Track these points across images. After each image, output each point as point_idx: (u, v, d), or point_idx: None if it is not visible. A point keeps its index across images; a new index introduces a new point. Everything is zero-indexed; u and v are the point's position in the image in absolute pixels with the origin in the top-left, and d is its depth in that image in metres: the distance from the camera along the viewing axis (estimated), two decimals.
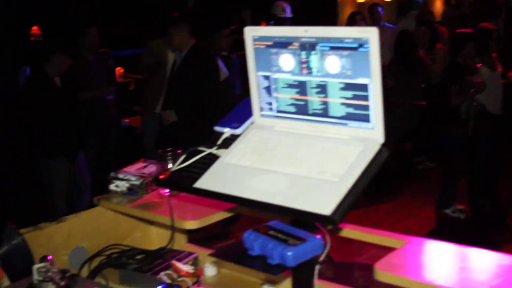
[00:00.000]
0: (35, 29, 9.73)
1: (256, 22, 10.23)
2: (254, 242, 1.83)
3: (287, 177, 1.78)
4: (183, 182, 1.95)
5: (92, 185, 5.89)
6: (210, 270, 2.42)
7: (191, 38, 5.75)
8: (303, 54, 1.86)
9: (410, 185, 7.47)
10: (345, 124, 1.84)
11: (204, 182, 1.89)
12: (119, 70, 8.93)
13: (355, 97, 1.79)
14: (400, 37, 7.47)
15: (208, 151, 2.01)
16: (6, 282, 2.22)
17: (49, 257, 2.09)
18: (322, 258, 1.87)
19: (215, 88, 5.77)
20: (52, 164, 5.54)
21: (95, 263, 2.53)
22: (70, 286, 2.07)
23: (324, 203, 1.64)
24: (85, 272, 2.48)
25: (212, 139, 2.03)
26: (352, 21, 8.65)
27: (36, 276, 2.08)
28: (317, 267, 1.90)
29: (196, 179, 1.91)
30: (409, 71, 7.19)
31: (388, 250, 2.07)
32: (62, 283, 2.00)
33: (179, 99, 5.75)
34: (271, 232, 1.85)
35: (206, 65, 5.77)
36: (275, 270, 1.80)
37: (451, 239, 2.16)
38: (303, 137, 1.90)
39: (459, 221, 6.28)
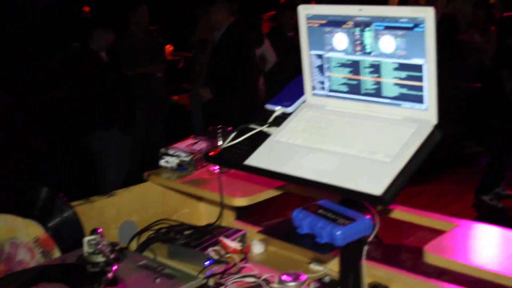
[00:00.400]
0: (86, 9, 9.83)
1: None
2: (303, 221, 1.84)
3: (338, 156, 1.77)
4: (233, 159, 1.96)
5: (141, 161, 5.96)
6: (257, 248, 2.43)
7: (230, 17, 5.76)
8: (357, 33, 1.85)
9: (458, 169, 7.38)
10: (398, 105, 1.83)
11: (255, 160, 1.89)
12: (168, 48, 8.97)
13: (409, 78, 1.78)
14: (441, 20, 7.35)
15: (258, 128, 2.01)
16: (57, 253, 2.25)
17: (99, 230, 2.11)
18: (370, 238, 1.86)
19: (246, 68, 5.78)
20: (104, 137, 5.61)
21: (144, 237, 2.56)
22: (120, 259, 2.10)
23: (375, 183, 1.64)
24: (133, 246, 2.51)
25: (262, 117, 2.03)
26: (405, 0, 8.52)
27: (86, 249, 2.11)
28: (366, 248, 1.90)
29: (246, 156, 1.92)
30: (449, 54, 7.06)
31: (437, 233, 2.05)
32: (112, 256, 2.02)
33: (213, 76, 5.79)
34: (320, 211, 1.85)
35: (238, 44, 5.78)
36: (324, 249, 1.81)
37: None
38: (355, 117, 1.90)
39: (496, 209, 6.18)
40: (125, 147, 5.84)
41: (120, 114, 5.69)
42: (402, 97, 1.81)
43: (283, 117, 2.01)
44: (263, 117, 2.02)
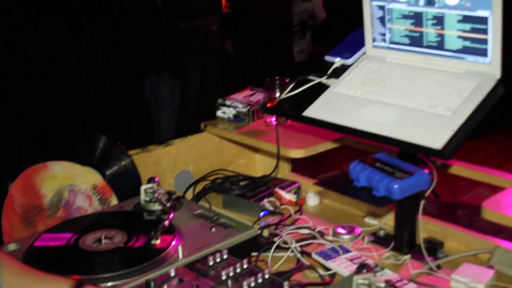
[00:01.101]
0: None
1: None
2: (360, 174, 1.83)
3: (398, 109, 1.75)
4: (291, 110, 1.96)
5: (197, 111, 5.98)
6: (312, 200, 2.43)
7: None
8: None
9: None
10: (461, 58, 1.79)
11: (313, 111, 1.88)
12: (225, 0, 8.92)
13: (473, 30, 1.74)
14: None
15: (317, 80, 2.00)
16: (114, 201, 2.28)
17: (156, 179, 2.13)
18: (428, 193, 1.84)
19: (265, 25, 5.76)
20: (157, 83, 5.64)
21: (199, 187, 2.58)
22: (176, 207, 2.12)
23: (435, 137, 1.62)
24: (189, 195, 2.53)
25: (322, 68, 2.01)
26: None
27: (143, 197, 2.13)
28: (422, 202, 1.88)
29: (304, 107, 1.91)
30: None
31: (495, 190, 2.01)
32: (168, 204, 2.04)
33: (235, 30, 5.79)
34: (377, 164, 1.84)
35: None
36: (380, 202, 1.80)
37: None
38: (416, 70, 1.87)
39: None
40: (178, 95, 5.85)
41: (171, 62, 5.70)
42: (465, 50, 1.77)
43: (342, 69, 1.99)
44: (323, 68, 2.00)
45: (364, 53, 2.01)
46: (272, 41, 5.87)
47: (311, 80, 2.01)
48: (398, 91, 1.81)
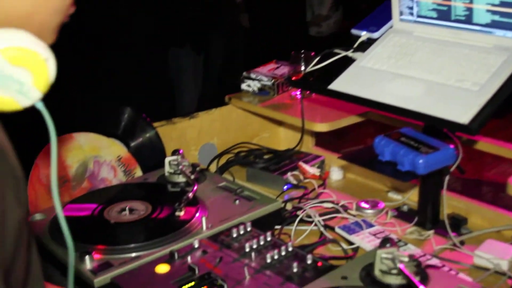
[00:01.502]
0: None
1: None
2: (385, 148, 1.82)
3: (425, 84, 1.74)
4: (317, 83, 1.95)
5: (220, 84, 5.97)
6: (336, 174, 2.43)
7: None
8: None
9: None
10: (489, 33, 1.77)
11: (339, 84, 1.87)
12: None
13: (502, 4, 1.71)
14: None
15: (343, 53, 1.99)
16: (138, 172, 2.30)
17: (181, 151, 2.14)
18: (453, 168, 1.83)
19: None
20: (180, 56, 5.63)
21: (223, 160, 2.59)
22: (200, 180, 2.12)
23: (462, 112, 1.60)
24: (213, 168, 2.54)
25: (348, 41, 2.00)
26: None
27: (167, 169, 2.14)
28: (447, 178, 1.88)
29: (330, 81, 1.90)
30: None
31: None
32: (192, 177, 2.05)
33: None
34: (402, 139, 1.83)
35: None
36: (405, 177, 1.79)
37: None
38: (443, 44, 1.85)
39: None
40: (201, 69, 5.85)
41: (193, 33, 5.68)
42: (494, 25, 1.75)
43: (369, 42, 1.98)
44: (349, 42, 1.99)
45: (391, 27, 1.99)
46: (287, 14, 5.84)
47: (337, 54, 1.99)
48: (425, 65, 1.80)
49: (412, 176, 1.78)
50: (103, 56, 5.36)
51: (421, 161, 1.70)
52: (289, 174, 2.35)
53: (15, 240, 0.83)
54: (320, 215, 2.03)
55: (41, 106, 0.90)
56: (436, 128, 1.83)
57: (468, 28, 1.81)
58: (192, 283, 1.50)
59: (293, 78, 2.39)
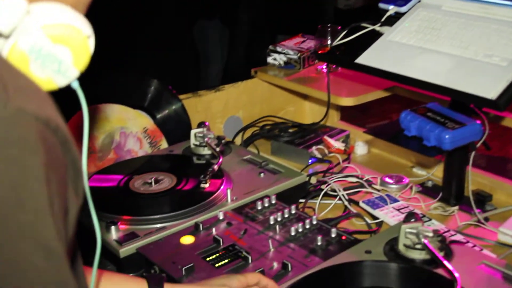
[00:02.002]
0: None
1: None
2: (411, 123, 1.81)
3: (452, 58, 1.72)
4: (343, 57, 1.94)
5: (247, 56, 5.96)
6: (361, 149, 2.42)
7: None
8: None
9: None
10: None
11: (366, 58, 1.86)
12: None
13: None
14: None
15: (371, 27, 1.97)
16: (164, 144, 2.31)
17: (206, 124, 2.15)
18: (479, 144, 1.82)
19: None
20: (207, 28, 5.63)
21: (248, 133, 2.59)
22: (225, 152, 2.13)
23: (490, 87, 1.59)
24: (238, 141, 2.55)
25: (375, 15, 1.98)
26: None
27: (193, 141, 2.15)
28: (473, 154, 1.87)
29: (357, 55, 1.89)
30: None
31: None
32: (218, 149, 2.06)
33: None
34: (429, 114, 1.82)
35: None
36: (430, 152, 1.79)
37: None
38: (472, 19, 1.83)
39: None
40: (227, 41, 5.84)
41: (221, 6, 5.67)
42: None
43: (396, 16, 1.96)
44: (376, 16, 1.98)
45: (419, 1, 1.98)
46: None
47: (364, 28, 1.98)
48: (453, 40, 1.78)
49: (437, 152, 1.77)
50: (130, 28, 5.37)
51: (447, 136, 1.70)
52: (314, 148, 2.35)
53: (75, 231, 0.84)
54: (345, 189, 2.03)
55: (76, 86, 0.88)
56: (463, 104, 1.82)
57: (497, 3, 1.79)
58: (217, 255, 1.52)
59: (320, 52, 2.38)
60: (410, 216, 1.46)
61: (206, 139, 2.10)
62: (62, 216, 0.78)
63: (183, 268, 1.47)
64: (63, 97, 0.90)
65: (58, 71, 0.84)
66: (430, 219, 1.86)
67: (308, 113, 2.79)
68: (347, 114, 2.71)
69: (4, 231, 0.72)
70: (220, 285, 1.37)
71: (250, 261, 1.50)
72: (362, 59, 1.87)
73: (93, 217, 0.95)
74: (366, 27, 1.97)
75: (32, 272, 0.74)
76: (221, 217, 1.70)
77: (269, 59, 2.70)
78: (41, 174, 0.73)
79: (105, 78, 2.33)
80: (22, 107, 0.72)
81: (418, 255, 1.44)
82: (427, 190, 2.07)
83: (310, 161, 2.30)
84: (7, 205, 0.71)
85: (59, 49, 0.84)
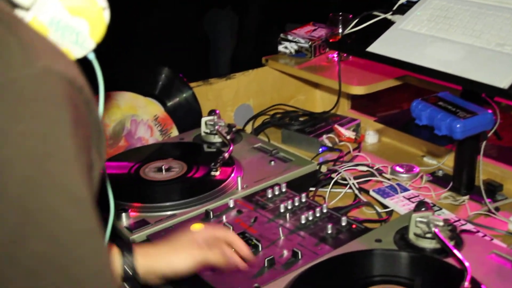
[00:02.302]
0: None
1: None
2: (422, 112, 1.81)
3: (464, 47, 1.72)
4: (355, 45, 1.94)
5: (258, 45, 5.96)
6: (371, 138, 2.42)
7: None
8: None
9: None
10: None
11: (377, 47, 1.86)
12: None
13: None
14: None
15: (382, 16, 1.97)
16: (174, 132, 2.31)
17: (217, 111, 2.15)
18: (490, 134, 1.82)
19: None
20: (218, 16, 5.62)
21: (259, 121, 2.60)
22: (236, 140, 2.13)
23: (502, 76, 1.58)
24: (248, 129, 2.55)
25: (387, 4, 1.98)
26: None
27: (203, 129, 2.15)
28: (484, 143, 1.86)
29: (368, 43, 1.89)
30: None
31: None
32: (228, 137, 2.06)
33: None
34: (440, 103, 1.81)
35: None
36: (441, 141, 1.78)
37: None
38: (484, 8, 1.81)
39: None
40: (236, 30, 5.83)
41: None
42: None
43: (408, 5, 1.95)
44: (388, 4, 1.97)
45: None
46: None
47: (376, 16, 1.98)
48: (465, 29, 1.77)
49: (448, 141, 1.77)
50: (141, 15, 5.38)
51: (458, 125, 1.69)
52: (324, 136, 2.35)
53: (97, 190, 0.86)
54: (355, 178, 2.03)
55: (93, 57, 0.91)
56: (475, 93, 1.82)
57: None
58: None
59: (331, 40, 2.38)
60: (421, 205, 1.46)
61: (216, 127, 2.10)
62: (87, 170, 0.80)
63: None
64: None
65: (76, 42, 0.87)
66: (440, 209, 1.86)
67: (318, 102, 2.79)
68: (358, 103, 2.70)
69: (34, 182, 0.74)
70: (188, 240, 1.39)
71: (260, 248, 1.50)
72: (373, 48, 1.86)
73: (108, 192, 0.98)
74: (378, 16, 1.97)
75: (61, 220, 0.76)
76: (231, 205, 1.71)
77: (280, 48, 2.69)
78: (68, 128, 0.76)
79: (117, 66, 2.33)
80: (50, 65, 0.75)
81: (428, 244, 1.44)
82: (438, 180, 2.07)
83: (320, 149, 2.30)
84: (36, 157, 0.74)
85: (76, 20, 0.87)
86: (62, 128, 0.75)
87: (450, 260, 1.39)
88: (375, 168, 2.11)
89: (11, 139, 0.72)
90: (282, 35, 2.69)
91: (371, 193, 1.97)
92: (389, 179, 2.05)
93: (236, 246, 1.41)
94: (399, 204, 1.88)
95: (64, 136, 0.75)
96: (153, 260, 1.35)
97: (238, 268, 1.39)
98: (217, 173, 1.87)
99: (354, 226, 1.60)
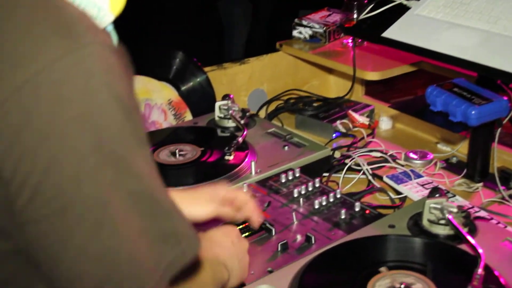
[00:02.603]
0: None
1: None
2: (437, 98, 1.80)
3: (481, 33, 1.71)
4: (370, 31, 1.93)
5: (272, 30, 5.95)
6: (385, 124, 2.41)
7: None
8: None
9: None
10: None
11: (393, 32, 1.85)
12: None
13: None
14: None
15: (398, 1, 1.96)
16: (188, 116, 2.32)
17: (231, 96, 2.15)
18: (505, 121, 1.81)
19: None
20: (233, 1, 5.62)
21: (273, 106, 2.59)
22: (249, 125, 2.13)
23: None
24: (262, 114, 2.54)
25: None
26: None
27: (217, 113, 2.16)
28: (499, 131, 1.86)
29: (383, 29, 1.88)
30: None
31: None
32: (242, 122, 2.06)
33: None
34: (455, 89, 1.81)
35: None
36: (456, 128, 1.78)
37: None
38: None
39: None
40: (250, 16, 5.82)
41: None
42: None
43: None
44: None
45: None
46: None
47: (391, 1, 1.97)
48: (481, 14, 1.76)
49: (463, 127, 1.76)
50: (157, 0, 5.38)
51: (473, 112, 1.68)
52: (338, 122, 2.34)
53: None
54: (368, 164, 2.03)
55: (111, 29, 0.92)
56: (490, 79, 1.81)
57: None
58: (241, 226, 1.52)
59: (346, 26, 2.37)
60: (435, 191, 1.46)
61: (230, 112, 2.11)
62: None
63: None
64: None
65: (97, 16, 0.87)
66: (454, 195, 1.85)
67: (332, 87, 2.79)
68: (372, 89, 2.69)
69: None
70: (210, 193, 1.44)
71: (273, 233, 1.51)
72: (389, 33, 1.85)
73: None
74: (393, 1, 1.96)
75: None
76: (245, 189, 1.71)
77: (295, 33, 2.69)
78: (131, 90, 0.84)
79: (131, 50, 2.34)
80: (104, 40, 0.80)
81: (442, 231, 1.44)
82: (452, 166, 2.06)
83: (334, 135, 2.30)
84: (108, 114, 0.79)
85: None
86: (127, 91, 0.83)
87: (463, 247, 1.39)
88: (388, 154, 2.11)
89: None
90: (296, 20, 2.68)
91: (385, 179, 1.97)
92: (402, 165, 2.05)
93: (252, 214, 1.45)
94: (413, 191, 1.88)
95: (127, 99, 0.82)
96: None
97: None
98: (231, 157, 1.88)
99: (367, 211, 1.60)
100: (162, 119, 2.29)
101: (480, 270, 1.23)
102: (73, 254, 0.80)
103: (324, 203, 1.63)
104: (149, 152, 0.89)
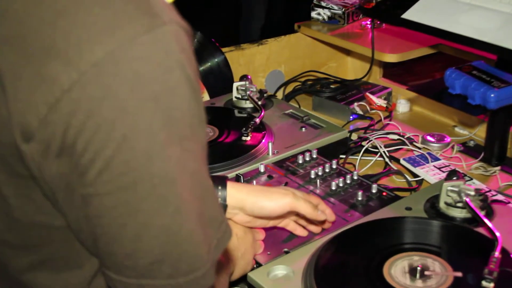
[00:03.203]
0: None
1: None
2: (456, 81, 1.79)
3: (501, 16, 1.69)
4: (389, 12, 1.92)
5: (290, 11, 5.93)
6: (403, 107, 2.41)
7: None
8: None
9: None
10: None
11: (412, 14, 1.84)
12: None
13: None
14: None
15: None
16: (206, 97, 2.32)
17: (249, 77, 2.15)
18: None
19: None
20: None
21: (290, 88, 2.59)
22: (267, 106, 2.14)
23: None
24: (279, 95, 2.54)
25: None
26: None
27: (235, 94, 2.16)
28: None
29: (403, 10, 1.87)
30: None
31: None
32: (260, 102, 2.06)
33: None
34: (474, 72, 1.80)
35: None
36: (475, 111, 1.77)
37: None
38: None
39: None
40: None
41: None
42: None
43: None
44: None
45: None
46: None
47: None
48: None
49: (482, 111, 1.75)
50: None
51: (492, 95, 1.68)
52: (355, 104, 2.34)
53: None
54: (386, 146, 2.03)
55: None
56: (510, 62, 1.79)
57: None
58: None
59: (365, 7, 2.36)
60: (452, 174, 1.45)
61: (248, 92, 2.11)
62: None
63: None
64: None
65: None
66: (471, 179, 1.85)
67: (350, 69, 2.78)
68: (390, 71, 2.68)
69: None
70: (283, 189, 1.42)
71: None
72: (408, 15, 1.84)
73: None
74: None
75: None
76: (262, 170, 1.71)
77: (313, 14, 2.68)
78: (197, 70, 0.85)
79: None
80: (178, 20, 0.83)
81: (459, 213, 1.44)
82: (469, 150, 2.06)
83: (351, 117, 2.30)
84: (179, 93, 0.81)
85: None
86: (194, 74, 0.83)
87: (480, 230, 1.39)
88: (406, 137, 2.10)
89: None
90: (315, 1, 2.67)
91: (402, 161, 1.96)
92: (420, 148, 2.04)
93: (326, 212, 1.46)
94: (430, 174, 1.87)
95: (196, 83, 0.83)
96: (244, 195, 1.38)
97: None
98: (248, 138, 1.88)
99: (384, 193, 1.60)
100: None
101: (497, 253, 1.23)
102: (135, 230, 0.81)
103: (341, 185, 1.64)
104: (205, 134, 0.90)
